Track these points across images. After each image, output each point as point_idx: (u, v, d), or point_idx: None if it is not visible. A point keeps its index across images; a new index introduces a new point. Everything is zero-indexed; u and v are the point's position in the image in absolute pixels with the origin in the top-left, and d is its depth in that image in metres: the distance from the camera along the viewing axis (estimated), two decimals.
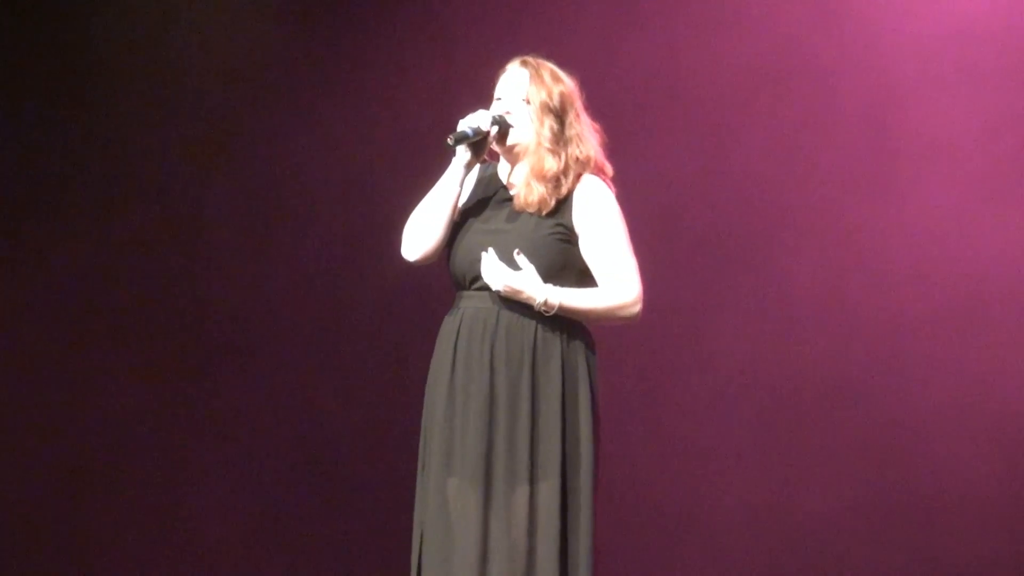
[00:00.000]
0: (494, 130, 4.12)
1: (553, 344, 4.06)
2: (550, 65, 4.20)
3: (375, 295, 6.28)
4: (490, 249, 4.03)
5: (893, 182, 5.76)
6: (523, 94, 4.14)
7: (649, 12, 6.02)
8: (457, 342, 4.09)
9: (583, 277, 4.11)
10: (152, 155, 6.57)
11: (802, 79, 5.86)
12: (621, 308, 4.09)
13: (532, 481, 4.00)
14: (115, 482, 6.50)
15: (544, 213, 4.09)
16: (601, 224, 4.10)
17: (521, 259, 4.00)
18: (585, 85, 4.22)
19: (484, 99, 4.22)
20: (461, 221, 4.18)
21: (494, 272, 4.01)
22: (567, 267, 4.09)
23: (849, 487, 5.74)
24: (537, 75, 4.15)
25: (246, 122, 6.49)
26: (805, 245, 5.82)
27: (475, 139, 4.10)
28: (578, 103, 4.18)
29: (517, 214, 4.12)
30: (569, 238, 4.10)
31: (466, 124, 4.11)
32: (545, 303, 4.01)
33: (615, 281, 4.08)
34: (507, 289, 4.00)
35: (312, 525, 6.33)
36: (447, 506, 4.04)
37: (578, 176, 4.12)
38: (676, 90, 5.97)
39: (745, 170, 5.90)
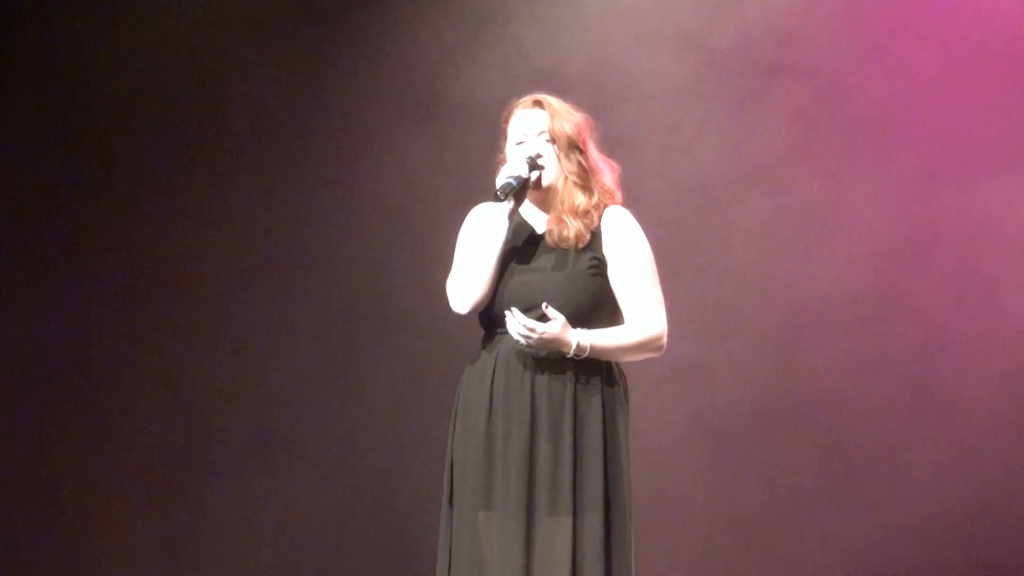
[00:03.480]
0: (534, 175, 4.16)
1: (594, 380, 4.08)
2: (559, 100, 4.24)
3: (397, 322, 6.30)
4: (513, 309, 4.01)
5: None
6: (546, 133, 4.18)
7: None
8: (494, 378, 4.10)
9: (618, 309, 4.14)
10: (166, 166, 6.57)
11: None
12: (650, 342, 4.12)
13: (576, 514, 4.01)
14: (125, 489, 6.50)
15: (580, 247, 4.12)
16: (630, 256, 4.14)
17: (551, 311, 4.00)
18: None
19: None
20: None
21: (521, 328, 3.99)
22: (606, 300, 4.13)
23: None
24: (556, 113, 4.20)
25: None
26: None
27: (519, 187, 4.13)
28: (590, 135, 4.23)
29: (552, 251, 4.14)
30: (603, 271, 4.13)
31: (506, 175, 4.14)
32: (578, 346, 4.02)
33: (640, 315, 4.11)
34: (539, 342, 3.99)
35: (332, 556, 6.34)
36: (479, 540, 4.04)
37: (604, 206, 4.17)
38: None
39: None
